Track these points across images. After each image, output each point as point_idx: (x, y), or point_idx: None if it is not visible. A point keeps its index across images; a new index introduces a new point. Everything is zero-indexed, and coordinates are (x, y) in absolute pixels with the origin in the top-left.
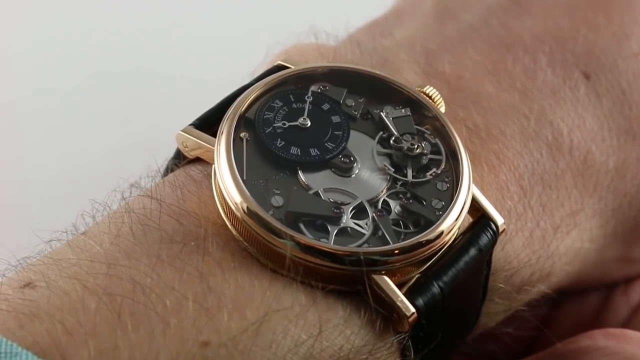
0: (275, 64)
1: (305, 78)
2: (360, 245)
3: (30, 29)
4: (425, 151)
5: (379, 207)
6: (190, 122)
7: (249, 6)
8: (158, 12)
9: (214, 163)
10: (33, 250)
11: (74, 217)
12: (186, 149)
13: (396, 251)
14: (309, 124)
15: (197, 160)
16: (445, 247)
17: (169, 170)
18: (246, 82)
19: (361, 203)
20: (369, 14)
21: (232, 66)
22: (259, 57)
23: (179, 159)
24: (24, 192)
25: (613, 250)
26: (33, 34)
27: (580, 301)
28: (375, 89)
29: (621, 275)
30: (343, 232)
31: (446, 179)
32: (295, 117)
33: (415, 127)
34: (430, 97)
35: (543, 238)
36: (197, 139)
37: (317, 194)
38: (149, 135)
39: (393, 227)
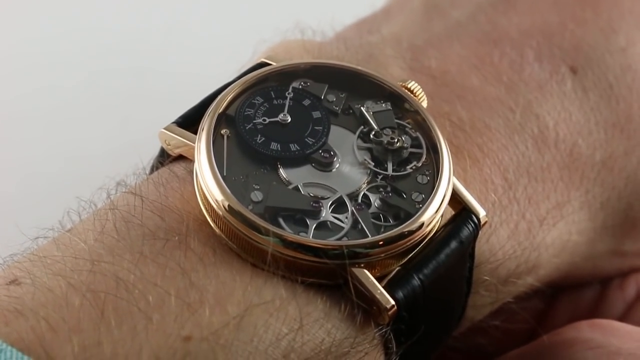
0: (258, 61)
1: (286, 74)
2: (339, 239)
3: (24, 27)
4: (406, 145)
5: (359, 200)
6: (173, 120)
7: (237, 4)
8: (146, 11)
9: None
10: (20, 248)
11: (61, 214)
12: (169, 146)
13: (380, 242)
14: (290, 120)
15: (181, 157)
16: (426, 239)
17: (154, 168)
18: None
19: (341, 197)
20: (355, 10)
21: (220, 64)
22: (247, 55)
23: (164, 157)
24: (13, 190)
25: (604, 244)
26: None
27: (576, 296)
28: (357, 84)
29: (614, 269)
30: (322, 226)
31: (427, 172)
32: (275, 113)
33: (396, 121)
34: (412, 92)
35: (529, 230)
36: (180, 136)
37: (296, 188)
38: (138, 134)
39: (373, 220)
